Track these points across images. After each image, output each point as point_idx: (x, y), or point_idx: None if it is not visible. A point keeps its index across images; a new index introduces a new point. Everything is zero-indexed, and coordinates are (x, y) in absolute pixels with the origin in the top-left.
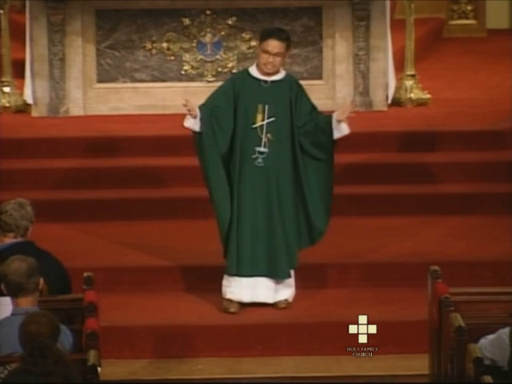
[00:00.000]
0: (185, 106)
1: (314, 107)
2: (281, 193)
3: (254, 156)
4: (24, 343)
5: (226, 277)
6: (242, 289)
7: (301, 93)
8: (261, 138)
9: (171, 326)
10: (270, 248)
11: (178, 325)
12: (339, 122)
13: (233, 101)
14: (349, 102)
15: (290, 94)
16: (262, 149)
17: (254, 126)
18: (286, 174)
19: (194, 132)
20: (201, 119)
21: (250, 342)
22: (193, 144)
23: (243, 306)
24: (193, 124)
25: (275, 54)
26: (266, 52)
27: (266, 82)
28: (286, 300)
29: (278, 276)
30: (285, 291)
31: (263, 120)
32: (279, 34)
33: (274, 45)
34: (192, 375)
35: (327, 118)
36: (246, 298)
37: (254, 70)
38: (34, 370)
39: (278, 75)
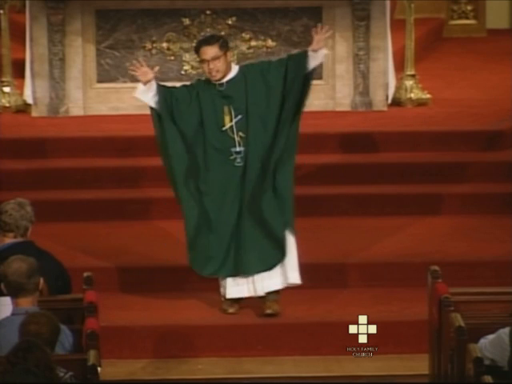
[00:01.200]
0: (138, 68)
1: (281, 58)
2: (261, 188)
3: (232, 157)
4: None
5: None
6: (238, 285)
7: (260, 67)
8: (234, 139)
9: (171, 325)
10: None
11: (178, 325)
12: (315, 51)
13: (193, 102)
14: (319, 29)
15: (249, 85)
16: (237, 148)
17: (224, 128)
18: (264, 167)
19: (150, 107)
20: (158, 93)
21: (250, 342)
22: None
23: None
24: (145, 93)
25: (212, 59)
26: (204, 61)
27: (221, 84)
28: (275, 296)
29: (246, 272)
30: (274, 280)
31: (231, 120)
32: (207, 40)
33: (205, 51)
34: (192, 375)
35: (302, 51)
36: (243, 293)
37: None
38: (13, 370)
39: (230, 74)
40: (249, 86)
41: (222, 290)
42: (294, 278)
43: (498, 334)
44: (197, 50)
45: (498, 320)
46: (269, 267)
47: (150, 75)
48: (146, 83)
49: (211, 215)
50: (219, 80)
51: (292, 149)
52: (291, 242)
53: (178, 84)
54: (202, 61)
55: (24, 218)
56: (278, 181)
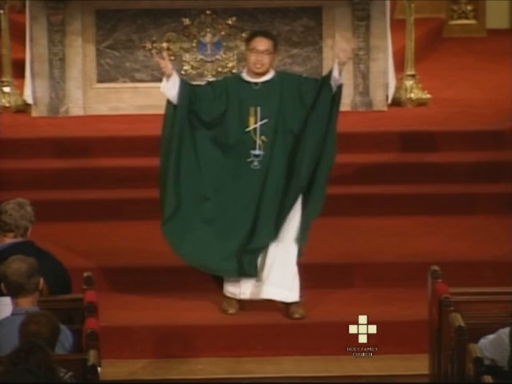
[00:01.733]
0: (161, 58)
1: (316, 78)
2: (277, 195)
3: (249, 159)
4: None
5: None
6: (241, 287)
7: (298, 79)
8: (255, 141)
9: (171, 325)
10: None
11: (178, 325)
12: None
13: (216, 99)
14: (348, 48)
15: (288, 92)
16: (257, 152)
17: (248, 129)
18: (282, 175)
19: (168, 102)
20: (181, 91)
21: (250, 342)
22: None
23: (244, 306)
24: (170, 90)
25: (263, 52)
26: (254, 50)
27: (256, 83)
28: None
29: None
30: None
31: (256, 122)
32: (265, 33)
33: (260, 41)
34: (192, 375)
35: (327, 74)
36: (245, 295)
37: (244, 74)
38: (14, 370)
39: (267, 75)
40: (283, 92)
41: (228, 288)
42: (293, 297)
43: (498, 334)
44: (250, 38)
45: (498, 320)
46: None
47: (170, 69)
48: (168, 78)
49: (216, 220)
50: (259, 76)
51: (323, 170)
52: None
53: None
54: (251, 49)
55: (24, 217)
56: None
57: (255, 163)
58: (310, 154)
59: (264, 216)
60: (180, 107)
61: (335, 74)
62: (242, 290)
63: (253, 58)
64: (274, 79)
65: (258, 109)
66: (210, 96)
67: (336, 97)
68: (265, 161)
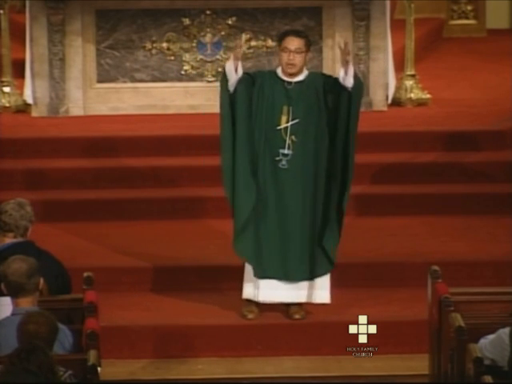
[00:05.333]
0: (239, 47)
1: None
2: (305, 195)
3: (277, 158)
4: (23, 343)
5: (250, 278)
6: (266, 289)
7: (324, 79)
8: (285, 140)
9: (171, 325)
10: (292, 250)
11: (178, 325)
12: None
13: (255, 92)
14: (342, 45)
15: (317, 93)
16: (285, 151)
17: (279, 127)
18: (310, 176)
19: (224, 89)
20: (239, 80)
21: (250, 342)
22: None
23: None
24: (232, 73)
25: (295, 51)
26: (285, 49)
27: (289, 83)
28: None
29: (295, 278)
30: (300, 292)
31: (288, 122)
32: (297, 32)
33: (292, 41)
34: (192, 375)
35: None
36: (270, 298)
37: (279, 71)
38: (14, 370)
39: (301, 75)
40: (315, 93)
41: (249, 291)
42: (324, 297)
43: (498, 334)
44: (282, 38)
45: (498, 320)
46: (313, 276)
47: (237, 60)
48: (235, 62)
49: (259, 210)
50: (292, 75)
51: (347, 172)
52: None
53: (177, 84)
54: (283, 49)
55: (24, 217)
56: (329, 198)
57: (283, 162)
58: (326, 157)
59: (292, 221)
60: (237, 96)
61: (341, 73)
62: (264, 292)
63: (285, 57)
64: (306, 79)
65: (291, 108)
66: (252, 85)
67: (353, 98)
68: (293, 161)
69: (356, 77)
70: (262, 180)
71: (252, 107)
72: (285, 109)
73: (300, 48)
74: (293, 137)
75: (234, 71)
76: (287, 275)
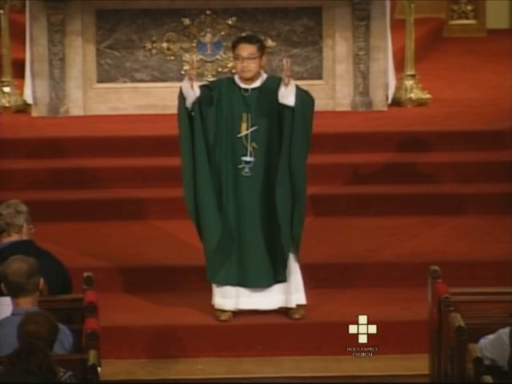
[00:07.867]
0: (190, 69)
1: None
2: (266, 201)
3: (240, 166)
4: (22, 343)
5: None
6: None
7: (279, 83)
8: (246, 148)
9: (171, 325)
10: (250, 257)
11: (178, 325)
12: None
13: (214, 103)
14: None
15: (275, 98)
16: (247, 158)
17: (239, 135)
18: (271, 182)
19: (182, 107)
20: (198, 98)
21: (250, 342)
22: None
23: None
24: (189, 91)
25: (248, 58)
26: (239, 57)
27: (246, 90)
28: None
29: (260, 285)
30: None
31: (247, 129)
32: (248, 38)
33: (243, 48)
34: (192, 375)
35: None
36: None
37: (236, 78)
38: (14, 370)
39: (257, 81)
40: (272, 99)
41: (217, 299)
42: (299, 299)
43: (498, 334)
44: (234, 46)
45: (498, 320)
46: (271, 283)
47: (192, 81)
48: (190, 82)
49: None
50: (248, 80)
51: (299, 179)
52: (296, 261)
53: (177, 84)
54: (236, 57)
55: (13, 215)
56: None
57: (246, 170)
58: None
59: (252, 226)
60: (195, 113)
61: (280, 91)
62: (236, 301)
63: (238, 64)
64: (263, 85)
65: (249, 115)
66: (209, 100)
67: (296, 116)
68: (256, 168)
69: (300, 94)
70: (224, 188)
71: (211, 123)
72: (244, 116)
73: (253, 54)
74: (253, 144)
75: (191, 88)
76: (251, 282)
